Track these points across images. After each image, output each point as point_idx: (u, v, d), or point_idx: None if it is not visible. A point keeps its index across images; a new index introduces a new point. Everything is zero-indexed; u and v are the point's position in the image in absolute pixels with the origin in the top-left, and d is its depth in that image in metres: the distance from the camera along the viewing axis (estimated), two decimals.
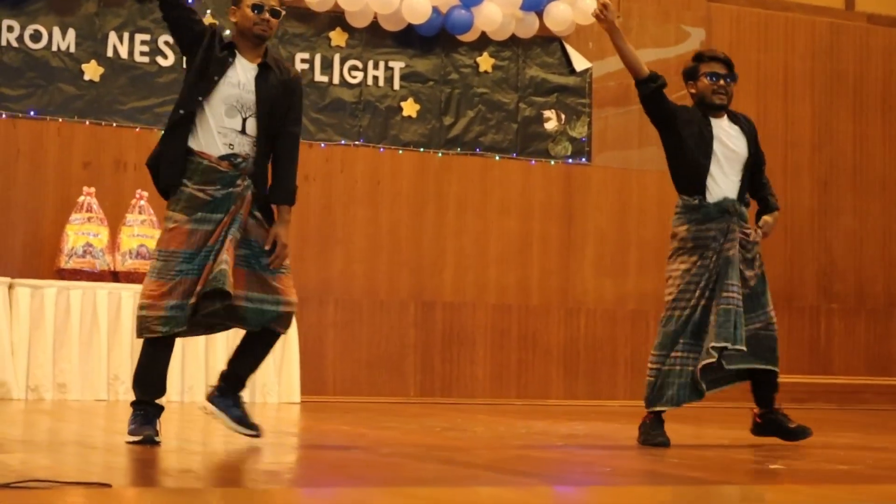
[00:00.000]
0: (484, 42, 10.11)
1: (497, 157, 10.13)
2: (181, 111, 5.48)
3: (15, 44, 8.95)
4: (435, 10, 9.81)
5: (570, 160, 10.33)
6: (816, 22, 11.46)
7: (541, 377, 10.14)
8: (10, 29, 8.93)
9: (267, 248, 5.45)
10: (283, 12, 5.62)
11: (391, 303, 9.80)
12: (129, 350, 8.41)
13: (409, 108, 9.90)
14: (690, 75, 6.24)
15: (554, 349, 10.19)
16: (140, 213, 8.83)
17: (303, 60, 9.66)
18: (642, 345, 10.45)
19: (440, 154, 9.98)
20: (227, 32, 6.14)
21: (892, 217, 11.52)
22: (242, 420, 5.51)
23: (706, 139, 6.11)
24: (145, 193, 8.86)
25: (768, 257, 10.90)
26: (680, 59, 10.70)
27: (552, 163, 10.28)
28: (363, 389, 9.54)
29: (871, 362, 11.32)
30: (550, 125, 10.29)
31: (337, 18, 9.73)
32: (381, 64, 9.87)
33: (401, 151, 9.87)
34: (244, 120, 5.46)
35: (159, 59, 9.29)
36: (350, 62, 9.78)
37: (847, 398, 11.02)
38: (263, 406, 8.51)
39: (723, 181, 6.16)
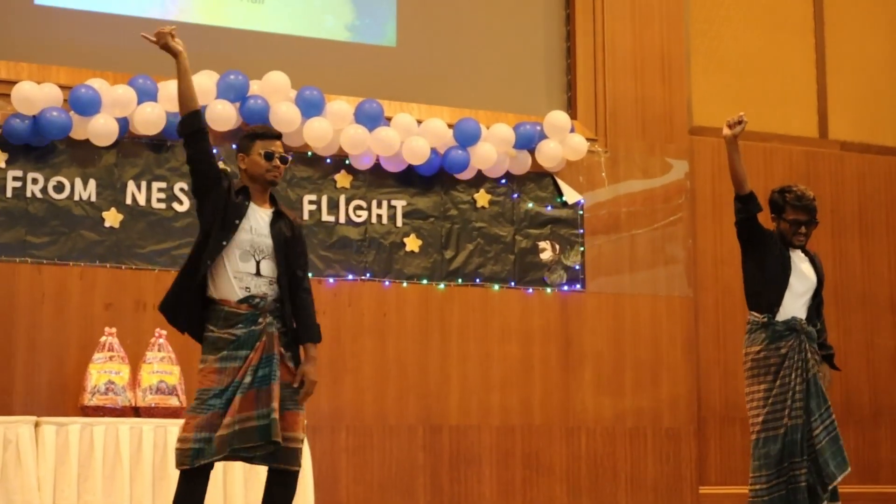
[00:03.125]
0: (480, 179, 10.15)
1: (496, 287, 10.10)
2: (208, 260, 5.40)
3: (39, 195, 8.99)
4: (433, 151, 9.87)
5: (566, 287, 10.30)
6: (793, 150, 11.51)
7: (545, 494, 9.99)
8: (34, 181, 8.98)
9: (295, 385, 5.39)
10: (290, 158, 5.66)
11: (400, 427, 9.70)
12: (150, 481, 8.31)
13: (412, 243, 9.90)
14: (776, 210, 6.59)
15: (557, 466, 10.05)
16: (159, 350, 8.79)
17: (310, 202, 9.69)
18: (641, 460, 10.34)
19: (442, 286, 9.96)
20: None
21: (873, 330, 11.45)
22: None
23: (785, 265, 6.40)
24: (164, 332, 8.82)
25: None
26: (664, 190, 10.78)
27: (548, 291, 10.24)
28: None
29: (862, 471, 11.14)
30: (545, 255, 10.28)
31: (341, 162, 9.78)
32: (385, 203, 9.89)
33: (405, 284, 9.85)
34: (258, 263, 5.45)
35: (175, 205, 9.32)
36: (355, 202, 9.81)
37: None
38: None
39: (792, 306, 6.39)
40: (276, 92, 9.45)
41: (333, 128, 9.56)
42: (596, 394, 10.30)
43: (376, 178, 9.89)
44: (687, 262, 10.76)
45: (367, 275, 9.76)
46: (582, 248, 10.39)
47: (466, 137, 9.93)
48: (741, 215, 6.42)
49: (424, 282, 9.92)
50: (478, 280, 10.07)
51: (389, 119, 9.82)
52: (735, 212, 6.43)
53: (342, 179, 9.81)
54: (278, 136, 5.81)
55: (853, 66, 11.90)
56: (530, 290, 10.19)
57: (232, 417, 5.29)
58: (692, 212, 10.92)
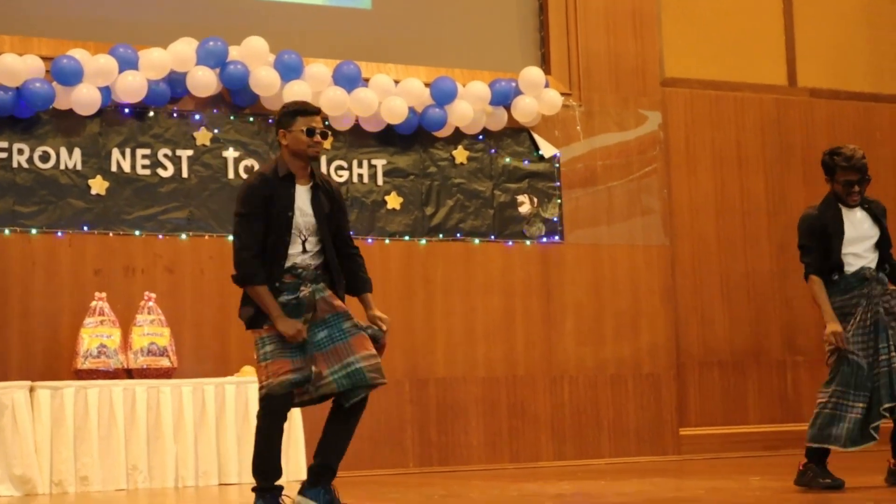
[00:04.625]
0: (458, 136, 10.20)
1: (477, 242, 10.16)
2: (272, 256, 5.57)
3: (26, 165, 9.01)
4: (411, 110, 9.90)
5: (545, 240, 10.38)
6: (763, 99, 11.58)
7: (531, 442, 10.10)
8: (20, 152, 9.00)
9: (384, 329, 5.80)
10: (330, 133, 5.75)
11: (388, 382, 9.72)
12: (144, 441, 8.39)
13: (393, 201, 9.95)
14: (829, 172, 6.68)
15: (541, 415, 10.16)
16: (149, 313, 8.84)
17: None
18: (623, 406, 10.46)
19: (424, 242, 10.02)
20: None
21: None
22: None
23: (839, 228, 6.56)
24: (153, 295, 8.88)
25: (735, 319, 11.04)
26: (639, 142, 10.84)
27: (528, 243, 10.32)
28: (366, 464, 9.48)
29: None
30: (524, 209, 10.34)
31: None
32: (365, 162, 9.94)
33: (388, 241, 9.91)
34: (303, 242, 5.62)
35: (160, 171, 9.35)
36: (336, 162, 9.85)
37: None
38: None
39: (857, 259, 6.56)
40: (255, 57, 9.46)
41: (313, 90, 9.58)
42: (577, 343, 10.40)
43: (356, 139, 9.93)
44: (663, 212, 10.84)
45: (351, 233, 9.77)
46: (559, 201, 10.46)
47: (443, 96, 9.97)
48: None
49: (406, 238, 9.98)
50: (458, 235, 10.13)
51: (367, 80, 9.84)
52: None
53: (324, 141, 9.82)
54: (318, 111, 5.81)
55: (820, 14, 11.95)
56: (510, 244, 10.27)
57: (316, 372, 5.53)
58: (666, 162, 10.99)
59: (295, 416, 8.80)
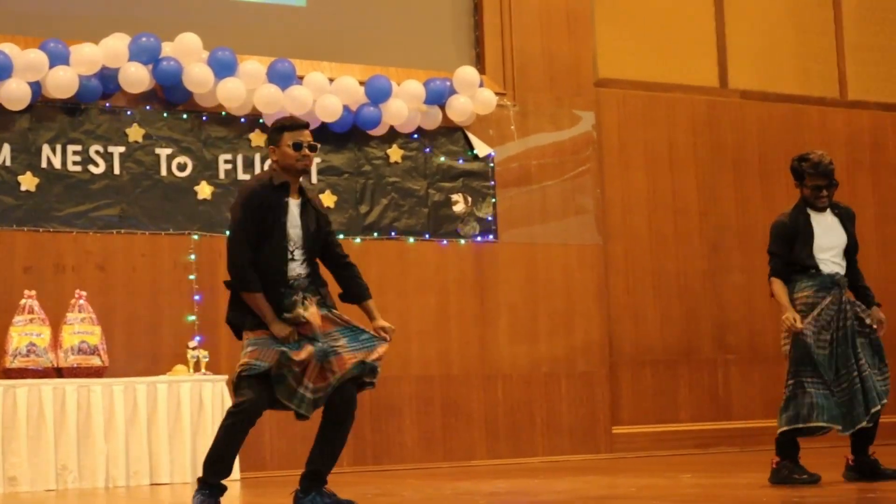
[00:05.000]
0: (392, 135, 10.18)
1: (411, 240, 10.14)
2: (270, 259, 5.59)
3: None
4: (346, 108, 9.86)
5: (479, 239, 10.38)
6: (695, 100, 11.66)
7: (465, 440, 10.10)
8: None
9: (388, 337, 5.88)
10: (318, 146, 5.88)
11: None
12: (74, 440, 8.28)
13: (328, 199, 9.90)
14: (798, 177, 6.89)
15: (475, 413, 10.16)
16: (80, 311, 8.72)
17: (226, 161, 9.65)
18: (556, 404, 10.49)
19: (359, 240, 9.98)
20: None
21: None
22: (335, 501, 5.80)
23: (809, 232, 6.77)
24: (84, 293, 8.77)
25: (667, 318, 11.11)
26: (573, 142, 10.88)
27: (462, 242, 10.32)
28: (300, 463, 9.35)
29: (767, 406, 11.37)
30: (458, 208, 10.34)
31: (255, 121, 9.74)
32: None
33: None
34: (292, 252, 5.67)
35: (91, 168, 9.23)
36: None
37: (747, 441, 11.08)
38: None
39: (826, 265, 6.76)
40: (188, 53, 9.37)
41: (247, 87, 9.52)
42: (511, 342, 10.41)
43: None
44: (596, 212, 10.88)
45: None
46: (494, 200, 10.47)
47: (378, 94, 9.94)
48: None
49: (341, 237, 9.92)
50: (393, 233, 10.11)
51: (301, 78, 9.79)
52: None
53: (256, 138, 9.77)
54: (306, 125, 5.84)
55: (751, 16, 12.07)
56: (445, 243, 10.26)
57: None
58: (600, 162, 11.04)
59: None
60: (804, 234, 6.77)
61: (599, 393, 10.66)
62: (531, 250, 10.61)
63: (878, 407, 6.62)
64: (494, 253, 10.45)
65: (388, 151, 10.20)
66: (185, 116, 9.56)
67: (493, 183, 10.49)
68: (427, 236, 10.20)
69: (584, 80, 11.06)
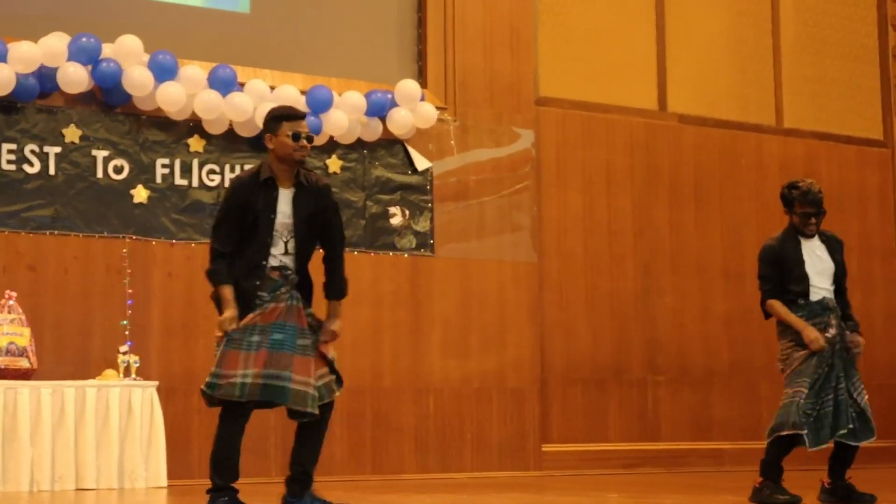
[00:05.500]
0: (332, 146, 10.16)
1: (348, 252, 10.09)
2: (255, 256, 5.67)
3: None
4: None
5: (416, 252, 10.39)
6: (633, 122, 11.76)
7: (394, 454, 10.08)
8: None
9: (323, 339, 5.83)
10: (315, 137, 5.92)
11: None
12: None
13: None
14: (787, 204, 7.05)
15: (406, 427, 10.15)
16: (9, 312, 8.61)
17: (163, 165, 9.58)
18: (486, 420, 10.51)
19: None
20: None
21: (708, 296, 11.80)
22: None
23: (799, 258, 6.94)
24: (14, 294, 8.66)
25: (598, 337, 11.18)
26: (511, 159, 10.93)
27: (399, 255, 10.32)
28: None
29: (695, 428, 11.51)
30: (396, 221, 10.35)
31: (195, 126, 9.68)
32: (238, 167, 9.82)
33: None
34: (285, 243, 5.71)
35: (25, 167, 9.12)
36: (208, 166, 9.73)
37: (674, 462, 11.18)
38: (132, 492, 8.30)
39: (816, 292, 6.93)
40: (129, 55, 9.30)
41: (187, 92, 9.46)
42: (444, 356, 10.42)
43: (229, 143, 9.82)
44: (532, 229, 10.93)
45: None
46: (431, 215, 10.48)
47: (318, 104, 9.92)
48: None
49: None
50: None
51: (242, 85, 9.75)
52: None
53: (195, 144, 9.71)
54: (303, 115, 5.91)
55: (692, 41, 12.20)
56: (381, 255, 10.25)
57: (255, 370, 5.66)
58: (537, 180, 11.10)
59: (157, 420, 8.67)
60: (794, 261, 6.94)
61: (529, 410, 10.69)
62: (466, 265, 10.64)
63: (846, 435, 6.77)
64: (430, 267, 10.46)
65: (328, 162, 10.18)
66: (122, 119, 9.48)
67: (431, 197, 10.50)
68: (363, 248, 10.19)
69: (524, 98, 11.11)
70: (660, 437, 11.37)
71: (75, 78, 9.12)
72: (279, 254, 5.73)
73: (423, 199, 10.47)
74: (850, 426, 6.75)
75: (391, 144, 10.44)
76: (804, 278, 6.92)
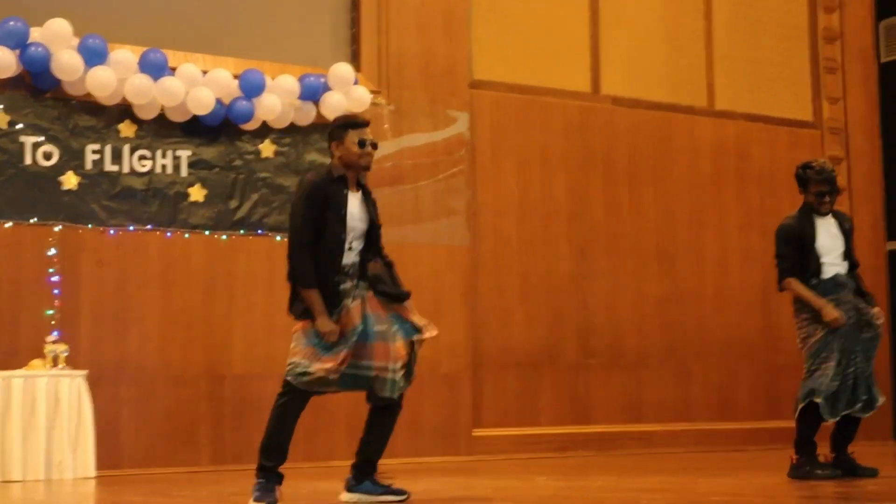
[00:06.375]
0: (265, 130, 10.10)
1: (280, 237, 10.07)
2: (329, 249, 5.84)
3: None
4: (218, 101, 9.76)
5: None
6: (568, 105, 11.77)
7: (326, 440, 10.06)
8: None
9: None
10: (378, 144, 6.09)
11: (184, 378, 9.61)
12: None
13: (197, 193, 9.79)
14: (802, 184, 7.26)
15: (338, 413, 10.10)
16: None
17: (94, 151, 9.47)
18: (418, 405, 10.47)
19: (227, 236, 9.88)
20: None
21: (642, 279, 11.85)
22: (388, 490, 6.09)
23: (814, 235, 7.15)
24: None
25: (532, 321, 11.21)
26: (446, 143, 10.91)
27: None
28: (158, 461, 9.32)
29: (627, 411, 11.59)
30: None
31: (126, 111, 9.58)
32: (169, 153, 9.74)
33: (188, 235, 9.73)
34: (350, 243, 5.92)
35: None
36: (139, 152, 9.64)
37: (606, 445, 11.25)
38: (59, 483, 8.22)
39: (831, 268, 7.13)
40: (58, 39, 9.17)
41: (117, 77, 9.35)
42: None
43: (161, 128, 9.72)
44: (467, 214, 10.93)
45: (151, 225, 9.61)
46: None
47: (251, 88, 9.86)
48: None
49: (209, 232, 9.83)
50: (263, 230, 10.03)
51: (174, 69, 9.65)
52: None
53: (126, 129, 9.61)
54: (368, 123, 6.10)
55: (625, 24, 12.22)
56: None
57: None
58: (472, 164, 11.09)
59: (85, 410, 8.61)
60: (812, 238, 7.13)
61: (462, 395, 10.71)
62: (401, 250, 10.53)
63: (859, 409, 7.00)
64: None
65: (261, 146, 10.11)
66: (52, 104, 9.36)
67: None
68: None
69: (458, 82, 11.09)
70: (591, 420, 11.43)
71: (3, 62, 8.99)
72: (347, 250, 5.91)
73: None
74: (865, 397, 7.00)
75: (325, 129, 10.32)
76: (818, 256, 7.11)
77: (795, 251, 7.16)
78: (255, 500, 5.80)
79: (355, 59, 10.72)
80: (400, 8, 10.83)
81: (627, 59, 12.19)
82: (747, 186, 12.61)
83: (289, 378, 5.94)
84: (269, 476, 5.96)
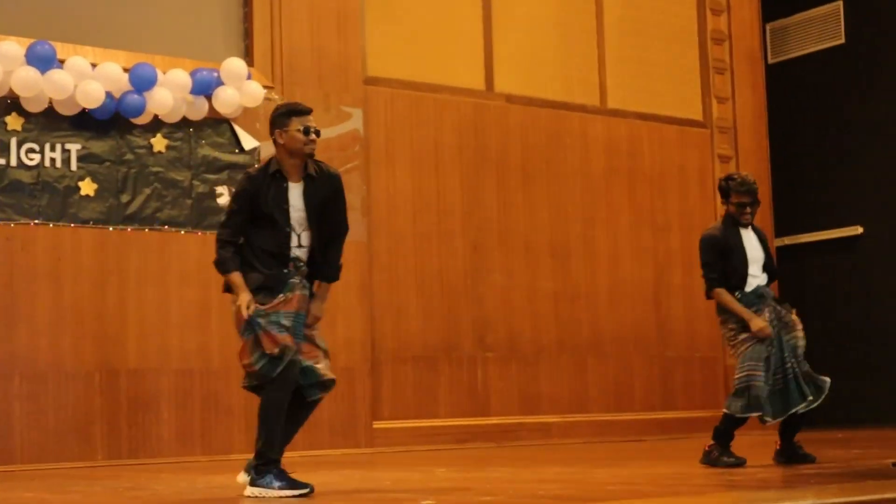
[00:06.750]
0: (157, 124, 9.96)
1: (174, 231, 9.95)
2: (277, 243, 5.84)
3: None
4: (108, 94, 9.61)
5: None
6: (462, 102, 11.82)
7: (224, 434, 9.96)
8: None
9: (308, 322, 5.97)
10: (321, 131, 6.09)
11: (77, 373, 9.44)
12: None
13: (87, 187, 9.62)
14: (724, 194, 7.36)
15: (235, 407, 10.02)
16: None
17: None
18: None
19: (118, 229, 9.73)
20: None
21: (535, 273, 11.94)
22: (294, 484, 5.84)
23: (741, 246, 7.28)
24: None
25: (428, 315, 11.23)
26: (340, 139, 10.88)
27: None
28: (51, 457, 9.14)
29: (524, 403, 11.66)
30: (223, 200, 10.19)
31: (13, 104, 9.39)
32: (58, 146, 9.56)
33: (80, 228, 9.56)
34: (299, 236, 5.88)
35: None
36: (27, 145, 9.44)
37: (504, 436, 11.32)
38: None
39: (753, 279, 7.28)
40: None
41: (3, 69, 9.17)
42: None
43: (49, 122, 9.54)
44: (362, 209, 10.90)
45: (40, 219, 9.43)
46: None
47: (142, 82, 9.72)
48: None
49: (100, 226, 9.67)
50: (155, 224, 9.89)
51: (62, 62, 9.49)
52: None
53: (13, 122, 9.41)
54: (311, 110, 6.12)
55: (518, 23, 12.31)
56: (208, 234, 10.09)
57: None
58: (367, 160, 11.07)
59: None
60: (736, 249, 7.27)
61: (360, 388, 10.68)
62: None
63: (808, 403, 7.13)
64: None
65: (152, 141, 9.98)
66: None
67: None
68: (190, 228, 10.03)
69: (352, 78, 11.07)
70: (489, 412, 11.48)
71: None
72: (294, 246, 5.88)
73: None
74: (810, 397, 7.13)
75: (218, 123, 10.29)
76: (743, 267, 7.25)
77: (721, 261, 7.30)
78: (281, 487, 5.80)
79: (248, 54, 10.64)
80: (293, 3, 10.77)
81: (521, 58, 12.28)
82: (638, 184, 12.77)
83: (267, 374, 5.90)
84: (277, 468, 5.89)
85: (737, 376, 7.24)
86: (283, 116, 6.02)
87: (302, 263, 5.93)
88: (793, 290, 14.44)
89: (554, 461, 8.48)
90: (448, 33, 11.89)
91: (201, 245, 10.03)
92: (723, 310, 7.34)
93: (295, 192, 5.91)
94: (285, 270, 5.88)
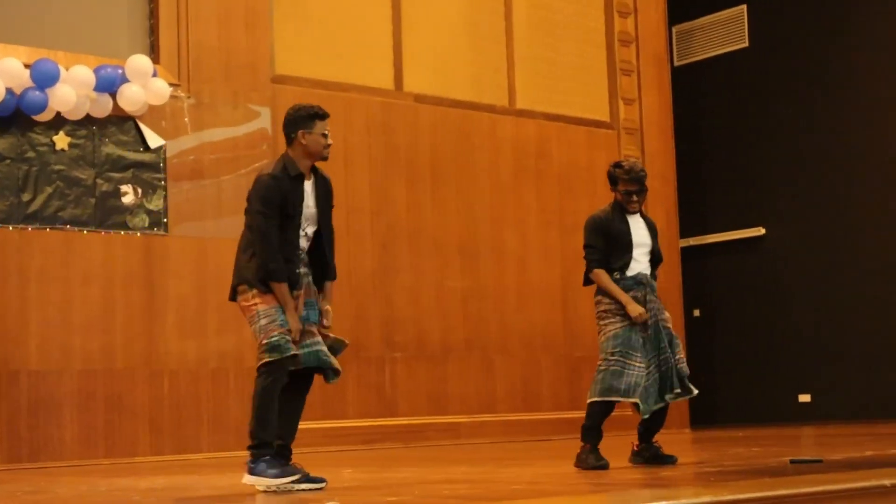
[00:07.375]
0: (59, 121, 9.79)
1: (77, 231, 9.78)
2: (290, 239, 5.95)
3: None
4: (9, 91, 9.42)
5: (149, 231, 10.12)
6: (371, 101, 11.78)
7: (128, 436, 9.82)
8: None
9: (326, 324, 6.26)
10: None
11: None
12: None
13: None
14: (612, 182, 7.31)
15: (139, 409, 9.89)
16: None
17: None
18: (223, 400, 10.36)
19: (18, 229, 9.53)
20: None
21: (445, 273, 11.94)
22: (287, 472, 5.93)
23: (626, 231, 7.23)
24: None
25: (337, 315, 11.13)
26: (248, 137, 10.78)
27: (131, 234, 10.03)
28: None
29: (432, 403, 11.66)
30: (128, 199, 10.06)
31: None
32: None
33: None
34: (304, 229, 6.03)
35: None
36: None
37: (412, 436, 11.30)
38: None
39: (636, 264, 7.24)
40: None
41: None
42: (180, 336, 10.21)
43: None
44: None
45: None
46: (165, 193, 10.23)
47: (44, 78, 9.54)
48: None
49: (0, 225, 9.47)
50: (57, 224, 9.72)
51: None
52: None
53: None
54: (329, 115, 6.27)
55: (428, 22, 12.30)
56: (112, 234, 9.94)
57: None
58: (274, 159, 10.94)
59: None
60: (621, 233, 7.21)
61: None
62: (202, 245, 10.44)
63: (675, 395, 7.13)
64: (165, 246, 10.22)
65: (55, 138, 9.80)
66: None
67: (164, 175, 10.25)
68: (94, 227, 9.87)
69: (260, 76, 10.97)
70: (398, 412, 11.45)
71: None
72: (302, 237, 6.03)
73: (156, 177, 10.21)
74: (677, 390, 7.11)
75: (123, 121, 10.14)
76: (627, 251, 7.19)
77: (604, 243, 7.29)
78: (274, 476, 5.89)
79: (154, 51, 10.50)
80: (200, 0, 10.63)
81: (430, 57, 12.27)
82: (546, 185, 12.83)
83: (268, 358, 5.93)
84: (270, 453, 5.99)
85: (604, 359, 7.12)
86: (308, 118, 6.14)
87: (303, 253, 6.07)
88: (698, 290, 14.63)
89: (462, 461, 8.48)
90: (357, 32, 11.84)
91: (105, 244, 9.88)
92: (600, 292, 7.26)
93: (308, 191, 6.08)
94: (297, 271, 6.01)
